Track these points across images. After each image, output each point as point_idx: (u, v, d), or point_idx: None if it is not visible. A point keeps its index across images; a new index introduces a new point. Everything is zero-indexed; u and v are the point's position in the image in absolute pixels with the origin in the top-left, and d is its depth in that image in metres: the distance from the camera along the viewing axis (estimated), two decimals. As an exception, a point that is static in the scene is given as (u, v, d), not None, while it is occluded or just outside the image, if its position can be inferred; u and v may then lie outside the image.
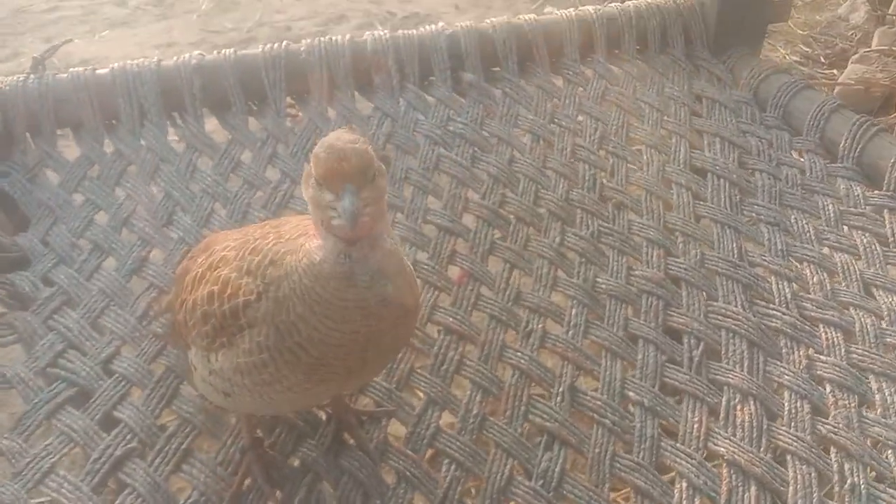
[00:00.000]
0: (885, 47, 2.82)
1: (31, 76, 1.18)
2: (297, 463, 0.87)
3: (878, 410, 0.93)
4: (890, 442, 0.90)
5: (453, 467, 0.87)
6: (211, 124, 1.25)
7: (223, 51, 1.25)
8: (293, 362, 0.70)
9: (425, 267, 1.07)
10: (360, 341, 0.69)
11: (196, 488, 0.84)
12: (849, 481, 0.87)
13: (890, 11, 3.14)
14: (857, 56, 2.83)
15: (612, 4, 1.46)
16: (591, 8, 1.44)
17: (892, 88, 2.62)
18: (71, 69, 1.20)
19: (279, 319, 0.69)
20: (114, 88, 1.20)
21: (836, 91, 2.71)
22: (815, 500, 0.85)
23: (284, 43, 1.27)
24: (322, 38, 1.28)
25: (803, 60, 3.05)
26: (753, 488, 0.85)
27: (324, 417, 0.91)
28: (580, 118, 1.34)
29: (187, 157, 1.20)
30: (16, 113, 1.17)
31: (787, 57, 3.05)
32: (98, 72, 1.21)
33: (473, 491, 0.88)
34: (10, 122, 1.16)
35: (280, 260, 0.70)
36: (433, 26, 1.35)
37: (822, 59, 3.06)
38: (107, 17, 3.35)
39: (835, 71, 2.92)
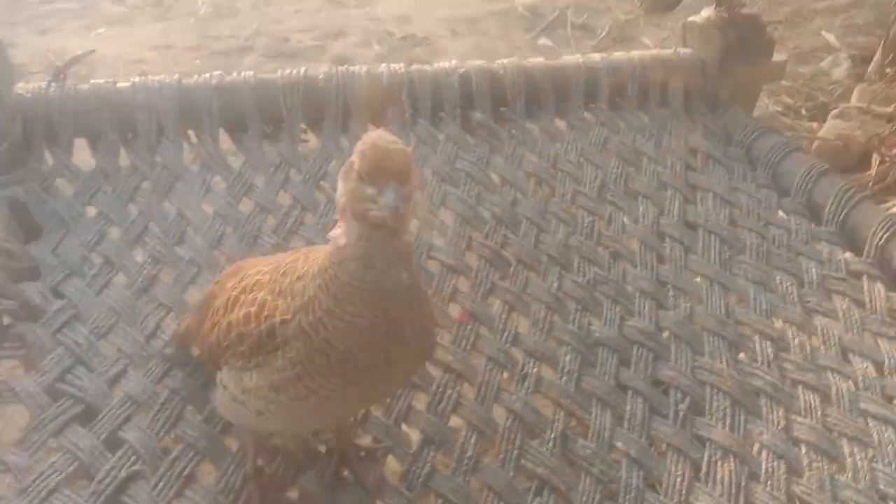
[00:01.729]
0: (864, 105, 2.90)
1: (52, 84, 1.19)
2: (296, 495, 0.90)
3: (850, 474, 0.98)
4: (858, 506, 0.95)
5: (446, 507, 0.90)
6: (225, 144, 1.27)
7: (243, 73, 1.28)
8: (324, 366, 0.73)
9: (429, 304, 1.10)
10: (381, 330, 0.73)
11: (198, 515, 0.85)
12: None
13: (869, 70, 3.25)
14: (836, 111, 2.92)
15: (617, 54, 1.51)
16: (597, 56, 1.49)
17: (868, 147, 2.70)
18: (92, 81, 1.21)
19: (306, 321, 0.73)
20: (134, 102, 1.22)
21: (814, 145, 2.79)
22: (785, 560, 0.89)
23: (303, 70, 1.30)
24: (340, 68, 1.31)
25: (785, 111, 3.13)
26: (730, 544, 0.90)
27: (323, 451, 0.94)
28: (582, 164, 1.38)
29: (201, 177, 1.23)
30: (35, 121, 1.18)
31: (770, 107, 3.14)
32: (119, 85, 1.23)
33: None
34: (29, 129, 1.18)
35: (305, 274, 0.75)
36: (447, 63, 1.39)
37: (804, 112, 3.14)
38: (104, 14, 3.34)
39: (814, 124, 3.00)
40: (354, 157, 0.69)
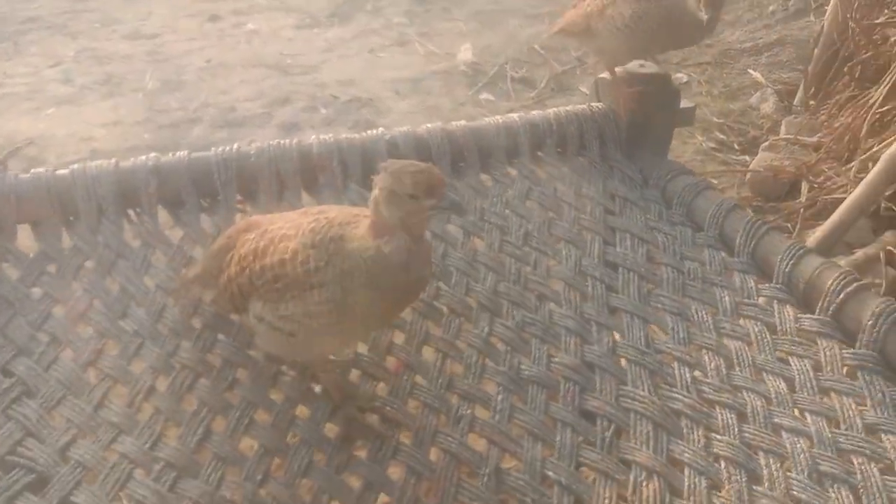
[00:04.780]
0: (791, 136, 3.06)
1: (-6, 176, 1.25)
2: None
3: (766, 484, 1.06)
4: (775, 514, 1.02)
5: (389, 547, 0.96)
6: (163, 216, 1.34)
7: (177, 153, 1.35)
8: (349, 311, 0.98)
9: (365, 359, 1.18)
10: (396, 303, 1.02)
11: (148, 571, 0.90)
12: (738, 550, 0.98)
13: (795, 102, 3.43)
14: (766, 144, 3.08)
15: (534, 112, 1.62)
16: (516, 115, 1.60)
17: (797, 175, 2.84)
18: (33, 170, 1.28)
19: (345, 284, 0.96)
20: (73, 187, 1.28)
21: (747, 178, 2.93)
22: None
23: (236, 146, 1.38)
24: (271, 142, 1.39)
25: (719, 147, 3.29)
26: (657, 559, 0.96)
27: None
28: (507, 215, 1.47)
29: (142, 253, 1.28)
30: (-22, 211, 1.24)
31: (704, 144, 3.29)
32: (58, 172, 1.29)
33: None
34: (-27, 219, 1.23)
35: (339, 239, 0.98)
36: (374, 131, 1.48)
37: (736, 146, 3.30)
38: (53, 94, 3.40)
39: (747, 157, 3.16)
40: (384, 186, 0.93)
